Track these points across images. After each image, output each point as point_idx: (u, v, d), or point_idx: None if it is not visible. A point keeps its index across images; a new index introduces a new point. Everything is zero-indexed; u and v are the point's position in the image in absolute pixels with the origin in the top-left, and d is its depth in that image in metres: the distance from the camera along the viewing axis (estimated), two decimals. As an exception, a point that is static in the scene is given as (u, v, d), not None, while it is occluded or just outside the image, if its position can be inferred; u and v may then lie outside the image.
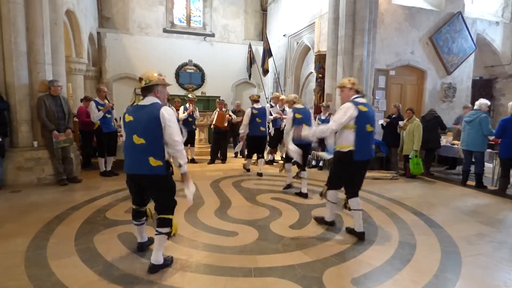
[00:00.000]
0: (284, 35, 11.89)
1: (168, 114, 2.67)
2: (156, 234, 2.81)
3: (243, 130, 7.03)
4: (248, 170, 7.17)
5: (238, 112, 9.07)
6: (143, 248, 3.19)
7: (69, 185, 5.64)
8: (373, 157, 3.77)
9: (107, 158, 6.53)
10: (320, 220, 4.02)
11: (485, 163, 6.19)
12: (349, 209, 3.66)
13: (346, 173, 3.62)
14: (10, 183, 5.44)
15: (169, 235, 2.83)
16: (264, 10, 13.93)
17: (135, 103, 2.85)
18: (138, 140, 2.67)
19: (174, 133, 2.66)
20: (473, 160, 6.24)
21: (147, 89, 2.78)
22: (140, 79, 2.81)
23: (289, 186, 5.71)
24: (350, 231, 3.74)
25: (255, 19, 14.01)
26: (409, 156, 6.66)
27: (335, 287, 2.64)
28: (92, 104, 6.26)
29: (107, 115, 6.34)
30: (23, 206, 4.52)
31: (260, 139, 7.07)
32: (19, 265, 2.88)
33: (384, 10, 8.32)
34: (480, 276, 2.89)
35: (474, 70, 9.82)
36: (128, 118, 2.75)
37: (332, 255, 3.19)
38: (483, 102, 6.08)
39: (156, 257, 2.82)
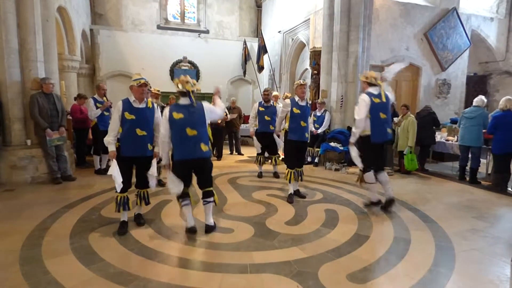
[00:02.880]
0: (279, 32, 11.85)
1: (207, 104, 3.57)
2: (204, 204, 3.62)
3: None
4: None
5: (234, 109, 9.04)
6: (195, 230, 3.55)
7: (64, 183, 5.60)
8: (390, 139, 4.63)
9: (102, 156, 6.46)
10: (369, 205, 4.47)
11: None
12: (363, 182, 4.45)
13: (370, 153, 4.30)
14: (3, 182, 5.39)
15: (214, 202, 3.66)
16: (259, 6, 13.86)
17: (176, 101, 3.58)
18: (191, 132, 3.33)
19: (217, 109, 3.69)
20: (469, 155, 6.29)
21: (186, 93, 3.41)
22: (187, 82, 3.40)
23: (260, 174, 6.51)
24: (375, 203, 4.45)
25: (250, 15, 13.94)
26: (404, 152, 6.70)
27: (331, 282, 2.65)
28: (90, 101, 6.20)
29: (105, 112, 6.26)
30: (17, 205, 4.48)
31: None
32: (14, 263, 2.86)
33: (379, 6, 8.33)
34: (473, 270, 2.91)
35: (468, 66, 9.89)
36: (178, 115, 3.34)
37: (328, 251, 3.20)
38: (483, 98, 6.19)
39: (210, 220, 3.67)
